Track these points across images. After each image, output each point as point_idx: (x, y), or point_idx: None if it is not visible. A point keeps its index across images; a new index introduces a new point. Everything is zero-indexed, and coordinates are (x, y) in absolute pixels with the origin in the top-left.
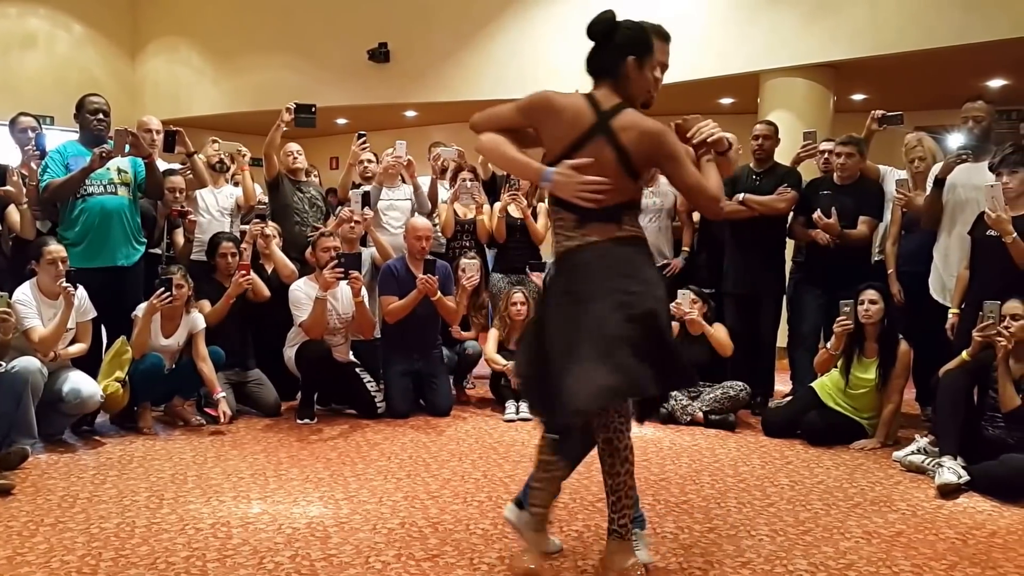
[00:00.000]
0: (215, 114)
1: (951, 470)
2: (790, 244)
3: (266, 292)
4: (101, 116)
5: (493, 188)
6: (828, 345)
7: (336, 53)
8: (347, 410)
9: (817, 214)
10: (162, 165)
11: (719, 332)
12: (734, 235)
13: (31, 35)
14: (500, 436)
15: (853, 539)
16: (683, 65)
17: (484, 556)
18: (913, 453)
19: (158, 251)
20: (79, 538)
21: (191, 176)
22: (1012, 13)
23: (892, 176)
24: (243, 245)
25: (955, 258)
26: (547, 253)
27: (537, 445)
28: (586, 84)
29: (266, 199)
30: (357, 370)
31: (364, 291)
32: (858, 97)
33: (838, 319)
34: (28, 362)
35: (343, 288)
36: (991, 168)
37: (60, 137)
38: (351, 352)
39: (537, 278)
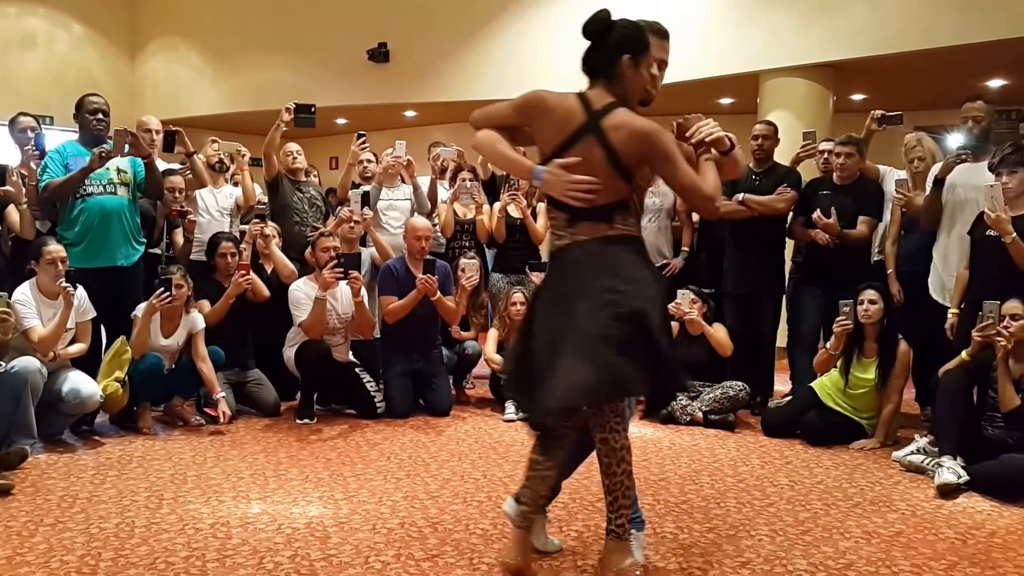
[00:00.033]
0: (214, 114)
1: (951, 470)
2: (790, 244)
3: (266, 292)
4: (100, 116)
5: (493, 188)
6: (828, 345)
7: (336, 53)
8: (347, 410)
9: (817, 214)
10: (161, 165)
11: (719, 332)
12: (734, 235)
13: (30, 35)
14: (500, 436)
15: (852, 539)
16: (682, 65)
17: (484, 556)
18: (913, 453)
19: (158, 251)
20: (78, 538)
21: (191, 176)
22: (1011, 13)
23: (891, 176)
24: (243, 245)
25: (955, 258)
26: (547, 253)
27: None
28: (585, 84)
29: (265, 199)
30: (357, 370)
31: (364, 291)
32: (857, 97)
33: (837, 319)
34: (28, 362)
35: (343, 288)
36: (991, 168)
37: (59, 137)
38: (351, 352)
39: (537, 278)
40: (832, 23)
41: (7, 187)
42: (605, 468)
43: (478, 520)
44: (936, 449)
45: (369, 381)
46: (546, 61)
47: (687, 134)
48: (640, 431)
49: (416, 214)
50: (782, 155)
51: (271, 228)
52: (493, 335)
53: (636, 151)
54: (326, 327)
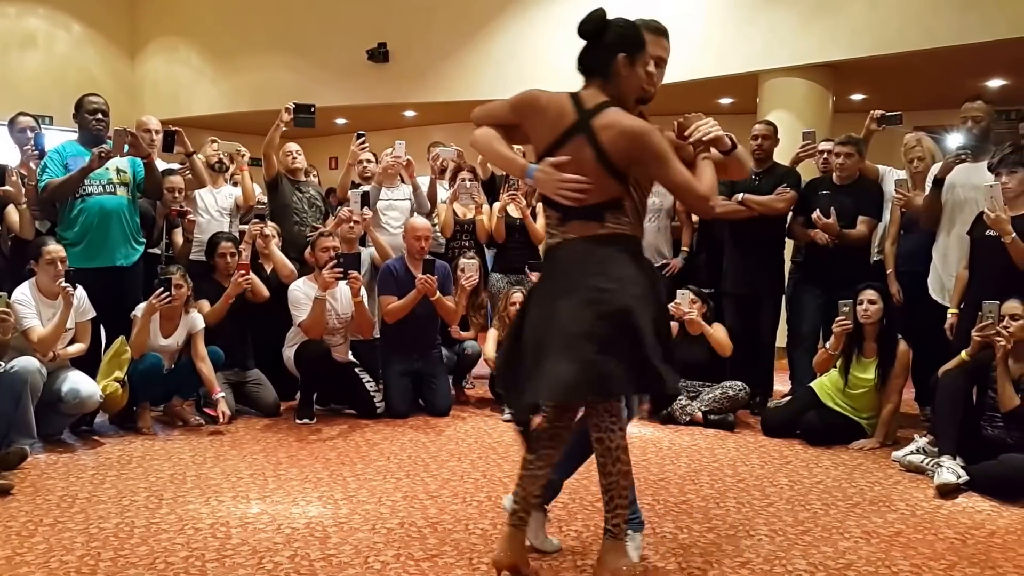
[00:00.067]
0: (214, 114)
1: (950, 470)
2: (789, 244)
3: (265, 292)
4: (100, 116)
5: (492, 188)
6: (827, 345)
7: (335, 53)
8: (346, 410)
9: (816, 214)
10: (161, 165)
11: (718, 332)
12: (733, 235)
13: (30, 35)
14: (499, 436)
15: (852, 539)
16: (682, 65)
17: (483, 556)
18: (912, 453)
19: (157, 251)
20: (78, 538)
21: (190, 176)
22: (1011, 13)
23: (891, 176)
24: (242, 245)
25: (954, 258)
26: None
27: None
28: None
29: (265, 199)
30: (356, 370)
31: (363, 291)
32: (857, 97)
33: (837, 319)
34: (27, 362)
35: (342, 288)
36: (990, 168)
37: (59, 137)
38: (350, 352)
39: (536, 278)
40: (832, 23)
41: (7, 187)
42: (601, 468)
43: (478, 520)
44: (936, 449)
45: (369, 381)
46: (546, 61)
47: (686, 133)
48: (640, 431)
49: (416, 214)
50: (782, 155)
51: (271, 228)
52: (493, 335)
53: (625, 150)
54: (326, 327)
